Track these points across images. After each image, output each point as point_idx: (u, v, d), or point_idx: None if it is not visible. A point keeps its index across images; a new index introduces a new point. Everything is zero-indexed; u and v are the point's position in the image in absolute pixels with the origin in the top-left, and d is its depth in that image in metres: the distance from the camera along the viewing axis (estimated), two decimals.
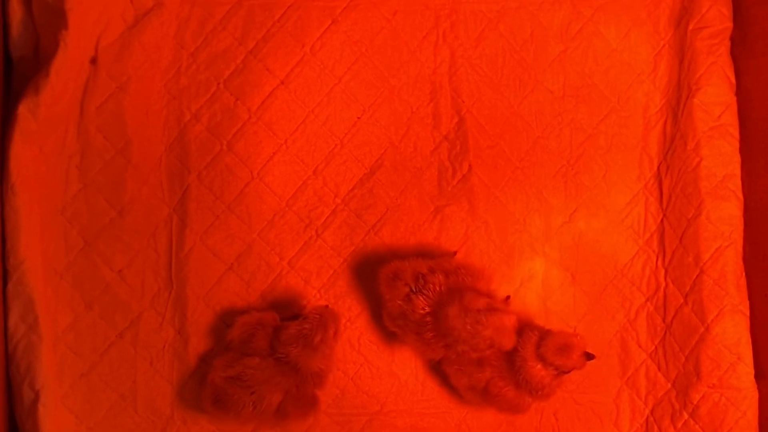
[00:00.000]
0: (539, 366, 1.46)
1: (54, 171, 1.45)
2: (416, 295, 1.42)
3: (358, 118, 1.59)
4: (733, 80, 1.68)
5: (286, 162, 1.56)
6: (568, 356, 1.45)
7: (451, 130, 1.62)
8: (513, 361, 1.46)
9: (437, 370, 1.56)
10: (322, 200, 1.57)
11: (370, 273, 1.55)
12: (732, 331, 1.61)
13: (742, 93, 1.68)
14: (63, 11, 1.35)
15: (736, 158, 1.67)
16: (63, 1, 1.35)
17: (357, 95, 1.59)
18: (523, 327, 1.49)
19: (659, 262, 1.68)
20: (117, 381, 1.49)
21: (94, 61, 1.46)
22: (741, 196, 1.66)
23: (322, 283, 1.57)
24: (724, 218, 1.64)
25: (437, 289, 1.42)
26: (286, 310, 1.52)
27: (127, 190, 1.49)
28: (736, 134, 1.67)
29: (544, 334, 1.47)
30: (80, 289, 1.47)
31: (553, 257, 1.65)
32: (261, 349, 1.42)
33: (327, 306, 1.48)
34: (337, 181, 1.58)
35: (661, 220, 1.69)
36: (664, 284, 1.68)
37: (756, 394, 1.61)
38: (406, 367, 1.58)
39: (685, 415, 1.62)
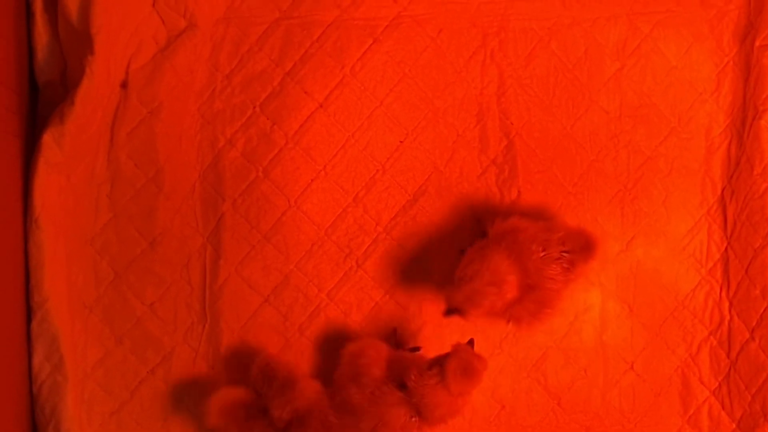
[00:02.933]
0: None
1: (83, 200, 1.40)
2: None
3: (401, 142, 1.53)
4: None
5: (324, 189, 1.50)
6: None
7: (499, 154, 1.56)
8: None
9: None
10: (362, 229, 1.51)
11: (413, 305, 1.52)
12: None
13: None
14: (89, 36, 1.29)
15: None
16: (89, 26, 1.28)
17: (399, 118, 1.53)
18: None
19: (723, 294, 1.60)
20: (148, 420, 1.44)
21: (124, 85, 1.42)
22: None
23: (363, 316, 1.51)
24: None
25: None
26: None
27: (158, 219, 1.45)
28: None
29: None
30: (110, 324, 1.43)
31: (609, 288, 1.58)
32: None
33: None
34: (378, 209, 1.52)
35: (726, 249, 1.61)
36: (728, 317, 1.60)
37: None
38: None
39: None
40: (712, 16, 1.60)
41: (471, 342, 1.40)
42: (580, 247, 1.40)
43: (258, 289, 1.48)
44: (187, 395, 1.45)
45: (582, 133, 1.58)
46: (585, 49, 1.57)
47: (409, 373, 1.33)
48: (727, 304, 1.60)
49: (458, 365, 1.32)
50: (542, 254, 1.37)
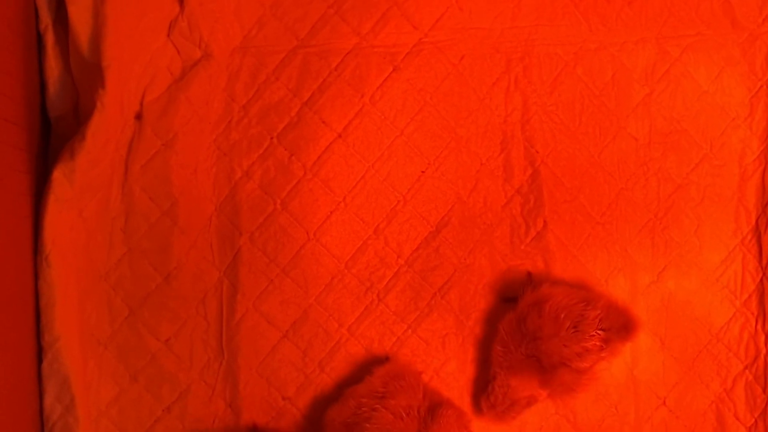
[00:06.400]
0: None
1: (96, 235, 1.37)
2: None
3: (423, 172, 1.50)
4: None
5: (344, 221, 1.47)
6: None
7: (524, 183, 1.52)
8: None
9: None
10: (383, 261, 1.48)
11: (436, 340, 1.49)
12: None
13: None
14: (100, 69, 1.26)
15: None
16: (100, 59, 1.25)
17: (421, 147, 1.49)
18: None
19: (759, 326, 1.57)
20: None
21: (139, 116, 1.38)
22: None
23: (385, 351, 1.48)
24: None
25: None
26: None
27: (173, 253, 1.41)
28: None
29: None
30: (125, 361, 1.39)
31: (639, 321, 1.49)
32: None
33: None
34: (399, 241, 1.49)
35: (761, 280, 1.58)
36: (764, 351, 1.57)
37: None
38: None
39: None
40: (744, 39, 1.57)
41: None
42: (619, 327, 1.38)
43: (276, 324, 1.45)
44: None
45: (610, 160, 1.54)
46: (612, 74, 1.54)
47: (450, 410, 1.35)
48: (763, 338, 1.56)
49: None
50: (573, 330, 1.35)
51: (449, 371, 1.49)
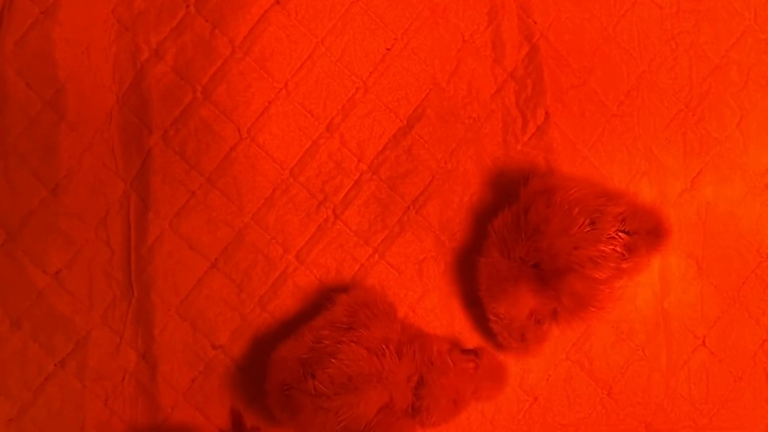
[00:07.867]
0: None
1: None
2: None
3: (388, 50, 1.32)
4: None
5: (287, 114, 1.28)
6: None
7: (520, 65, 1.35)
8: None
9: None
10: (340, 167, 1.30)
11: (410, 267, 1.31)
12: None
13: None
14: None
15: None
16: None
17: (385, 17, 1.31)
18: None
19: None
20: (58, 427, 1.24)
21: None
22: None
23: (344, 282, 1.31)
24: None
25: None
26: None
27: (62, 158, 1.24)
28: None
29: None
30: (2, 301, 1.23)
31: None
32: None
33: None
34: (360, 140, 1.31)
35: None
36: None
37: None
38: None
39: None
40: None
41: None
42: (647, 231, 1.21)
43: (201, 250, 1.27)
44: (111, 395, 1.23)
45: (628, 34, 1.38)
46: None
47: (434, 345, 1.19)
48: None
49: (491, 365, 1.23)
50: (588, 228, 1.18)
51: (428, 307, 1.31)
